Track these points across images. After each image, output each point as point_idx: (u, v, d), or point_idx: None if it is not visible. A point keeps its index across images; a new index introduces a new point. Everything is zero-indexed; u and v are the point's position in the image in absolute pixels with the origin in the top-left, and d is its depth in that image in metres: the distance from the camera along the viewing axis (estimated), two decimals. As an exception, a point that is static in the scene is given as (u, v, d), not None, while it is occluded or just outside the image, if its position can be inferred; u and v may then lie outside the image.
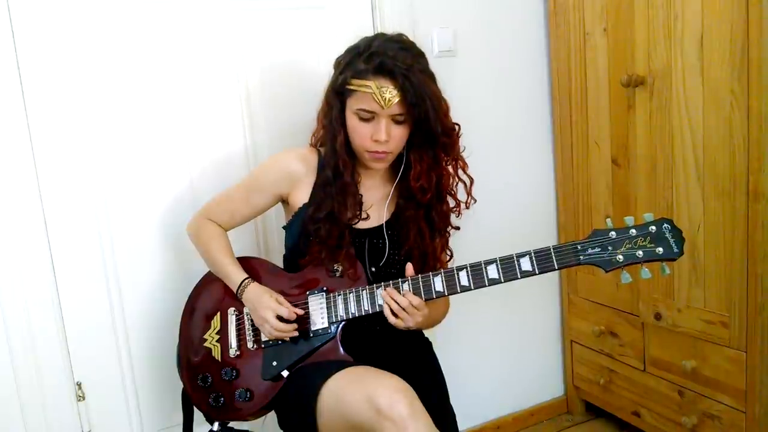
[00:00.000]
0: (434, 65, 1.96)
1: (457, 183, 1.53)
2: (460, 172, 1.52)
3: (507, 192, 2.18)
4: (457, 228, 1.59)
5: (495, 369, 2.26)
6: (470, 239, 1.90)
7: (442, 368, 1.59)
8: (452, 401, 1.52)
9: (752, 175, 1.60)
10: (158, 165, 1.71)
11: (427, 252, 1.51)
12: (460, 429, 1.51)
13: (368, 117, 1.38)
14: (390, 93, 1.34)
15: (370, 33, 1.86)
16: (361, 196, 1.48)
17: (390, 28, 1.85)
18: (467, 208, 1.56)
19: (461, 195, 1.55)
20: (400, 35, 1.45)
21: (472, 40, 2.05)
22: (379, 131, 1.37)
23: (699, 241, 1.75)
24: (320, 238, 1.44)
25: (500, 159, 2.16)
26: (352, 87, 1.38)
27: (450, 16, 2.01)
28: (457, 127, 1.48)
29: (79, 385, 1.69)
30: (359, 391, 1.25)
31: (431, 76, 1.42)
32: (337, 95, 1.42)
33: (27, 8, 1.53)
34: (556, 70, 2.15)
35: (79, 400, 1.69)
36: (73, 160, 1.62)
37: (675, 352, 1.88)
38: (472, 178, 1.54)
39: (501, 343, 2.26)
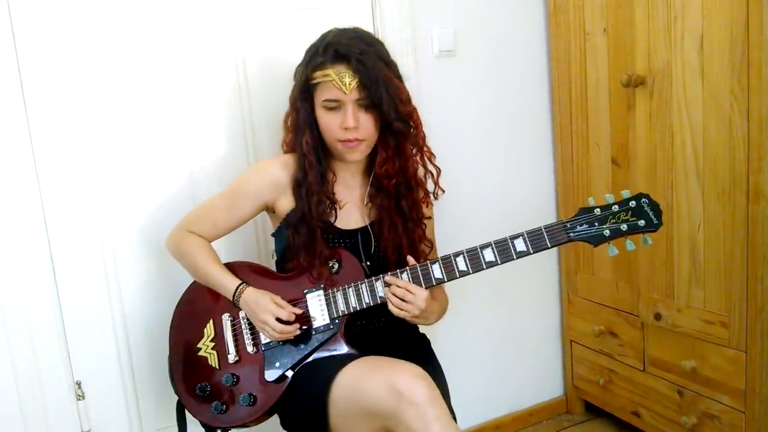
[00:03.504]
0: (434, 65, 2.00)
1: (426, 174, 1.55)
2: (428, 164, 1.54)
3: (507, 192, 2.18)
4: (429, 218, 1.60)
5: (494, 369, 2.26)
6: (470, 239, 1.90)
7: (442, 367, 1.59)
8: (452, 400, 1.52)
9: (752, 175, 1.60)
10: (157, 162, 1.71)
11: (402, 244, 1.51)
12: (459, 429, 1.50)
13: (334, 106, 1.41)
14: (349, 77, 1.38)
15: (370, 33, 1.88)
16: (334, 194, 1.49)
17: (390, 28, 1.87)
18: (436, 198, 1.58)
19: (431, 187, 1.57)
20: (356, 28, 1.48)
21: (472, 40, 2.06)
22: (347, 118, 1.39)
23: (699, 241, 1.76)
24: (297, 245, 1.45)
25: (500, 159, 2.16)
26: (315, 80, 1.41)
27: (450, 16, 2.01)
28: (415, 114, 1.49)
29: (78, 384, 1.69)
30: (378, 377, 1.26)
31: (388, 63, 1.44)
32: (304, 95, 1.44)
33: (26, 5, 1.53)
34: (556, 69, 2.15)
35: (79, 399, 1.69)
36: (72, 160, 1.62)
37: (675, 352, 1.88)
38: (439, 169, 1.56)
39: (501, 343, 2.26)
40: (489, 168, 2.15)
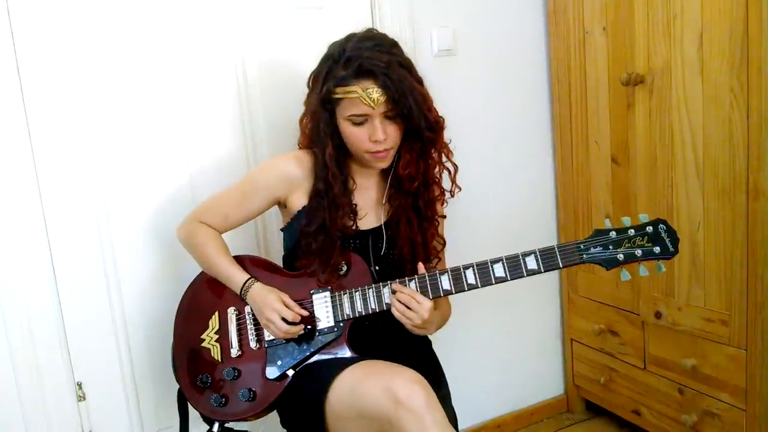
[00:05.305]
0: (433, 64, 2.00)
1: (442, 171, 1.54)
2: (444, 159, 1.53)
3: (507, 191, 2.18)
4: (444, 216, 1.60)
5: (495, 368, 2.26)
6: (471, 238, 1.91)
7: (443, 367, 1.60)
8: (453, 400, 1.53)
9: (752, 174, 1.60)
10: (157, 163, 1.71)
11: (416, 241, 1.51)
12: (460, 428, 1.51)
13: (361, 120, 1.39)
14: (376, 92, 1.35)
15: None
16: (356, 205, 1.48)
17: (389, 28, 1.86)
18: (452, 196, 1.58)
19: (446, 184, 1.56)
20: (370, 30, 1.46)
21: (471, 39, 2.05)
22: (376, 131, 1.39)
23: (699, 239, 1.76)
24: (312, 252, 1.45)
25: (500, 158, 2.16)
26: (337, 96, 1.38)
27: (449, 15, 2.01)
28: (441, 120, 1.48)
29: (79, 385, 1.69)
30: (376, 381, 1.26)
31: (409, 68, 1.42)
32: (324, 106, 1.42)
33: (25, 5, 1.53)
34: (556, 68, 2.15)
35: (80, 401, 1.69)
36: (72, 159, 1.62)
37: (675, 350, 1.88)
38: (456, 166, 1.54)
39: (501, 342, 2.26)
40: (489, 167, 2.14)
